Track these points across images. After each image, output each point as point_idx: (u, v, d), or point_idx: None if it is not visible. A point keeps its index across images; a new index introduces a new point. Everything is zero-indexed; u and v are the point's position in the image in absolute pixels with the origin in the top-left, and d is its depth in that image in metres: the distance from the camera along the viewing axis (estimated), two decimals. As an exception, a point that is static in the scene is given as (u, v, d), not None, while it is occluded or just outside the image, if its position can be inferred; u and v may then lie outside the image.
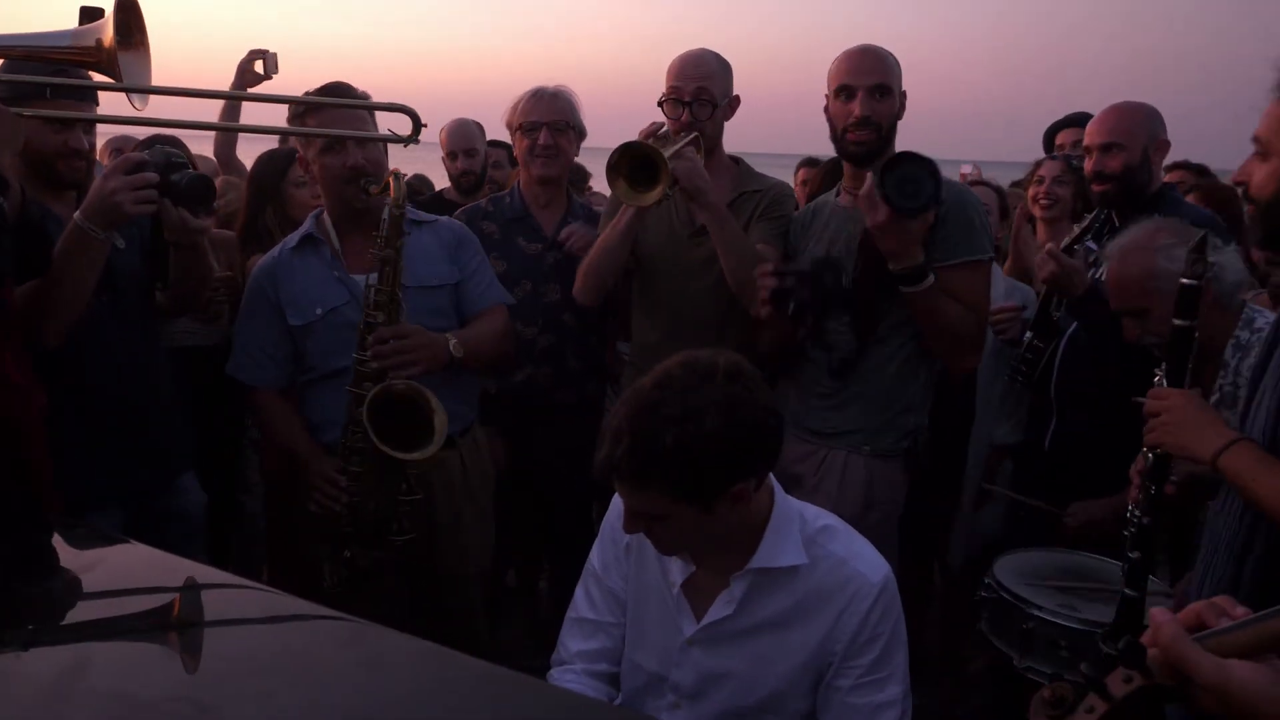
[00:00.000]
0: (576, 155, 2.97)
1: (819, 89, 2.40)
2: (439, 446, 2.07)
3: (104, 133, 2.81)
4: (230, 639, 1.26)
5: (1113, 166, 2.59)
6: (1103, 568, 2.10)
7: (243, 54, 3.58)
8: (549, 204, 2.81)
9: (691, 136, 2.39)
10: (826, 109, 2.32)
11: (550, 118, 2.72)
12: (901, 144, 2.29)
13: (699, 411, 1.36)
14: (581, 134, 2.84)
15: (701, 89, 2.44)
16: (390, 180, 2.07)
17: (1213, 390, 1.97)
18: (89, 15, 2.12)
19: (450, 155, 3.76)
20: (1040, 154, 3.59)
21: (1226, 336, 1.97)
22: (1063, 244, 2.54)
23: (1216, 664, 0.85)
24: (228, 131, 3.64)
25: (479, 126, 3.85)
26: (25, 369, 1.85)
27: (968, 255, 2.20)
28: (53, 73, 1.89)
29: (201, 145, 3.83)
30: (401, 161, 2.58)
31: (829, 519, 1.61)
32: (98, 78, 1.77)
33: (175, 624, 1.30)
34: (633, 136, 2.35)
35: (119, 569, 1.48)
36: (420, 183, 4.65)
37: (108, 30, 1.67)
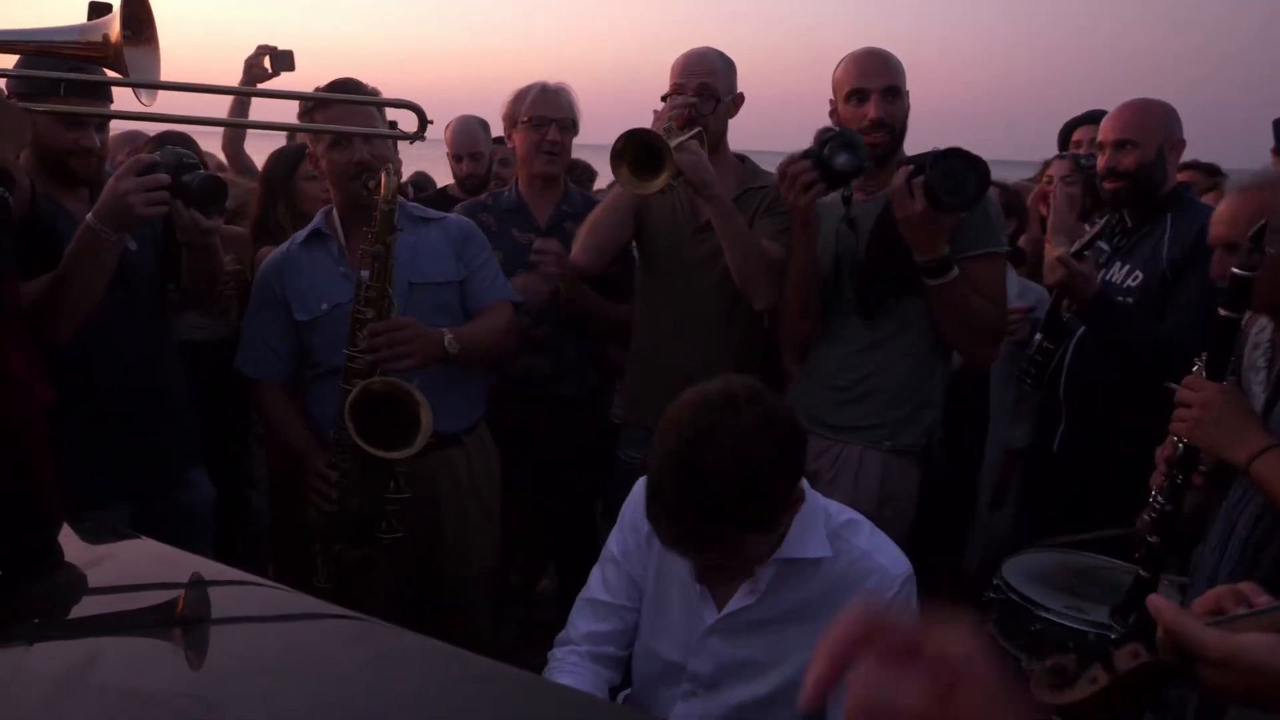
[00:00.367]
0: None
1: (821, 85, 2.40)
2: (421, 445, 2.05)
3: (114, 128, 2.80)
4: (238, 636, 1.26)
5: (1126, 164, 2.53)
6: (1113, 569, 2.09)
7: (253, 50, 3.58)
8: (544, 195, 2.81)
9: (695, 131, 2.38)
10: (833, 113, 2.31)
11: (559, 114, 2.72)
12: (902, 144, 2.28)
13: (741, 445, 1.35)
14: (578, 131, 2.84)
15: (705, 85, 2.43)
16: (381, 176, 2.06)
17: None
18: (97, 10, 2.13)
19: (455, 157, 3.74)
20: (1040, 152, 3.56)
21: None
22: (1073, 247, 2.51)
23: (1221, 636, 0.84)
24: (236, 128, 3.65)
25: (484, 125, 3.83)
26: (31, 364, 1.85)
27: (986, 247, 2.19)
28: (67, 69, 1.89)
29: (210, 140, 3.83)
30: (405, 158, 2.59)
31: (852, 514, 1.63)
32: (106, 73, 1.77)
33: (183, 620, 1.30)
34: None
35: (127, 564, 1.48)
36: (423, 179, 4.65)
37: (114, 25, 1.67)
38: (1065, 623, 1.88)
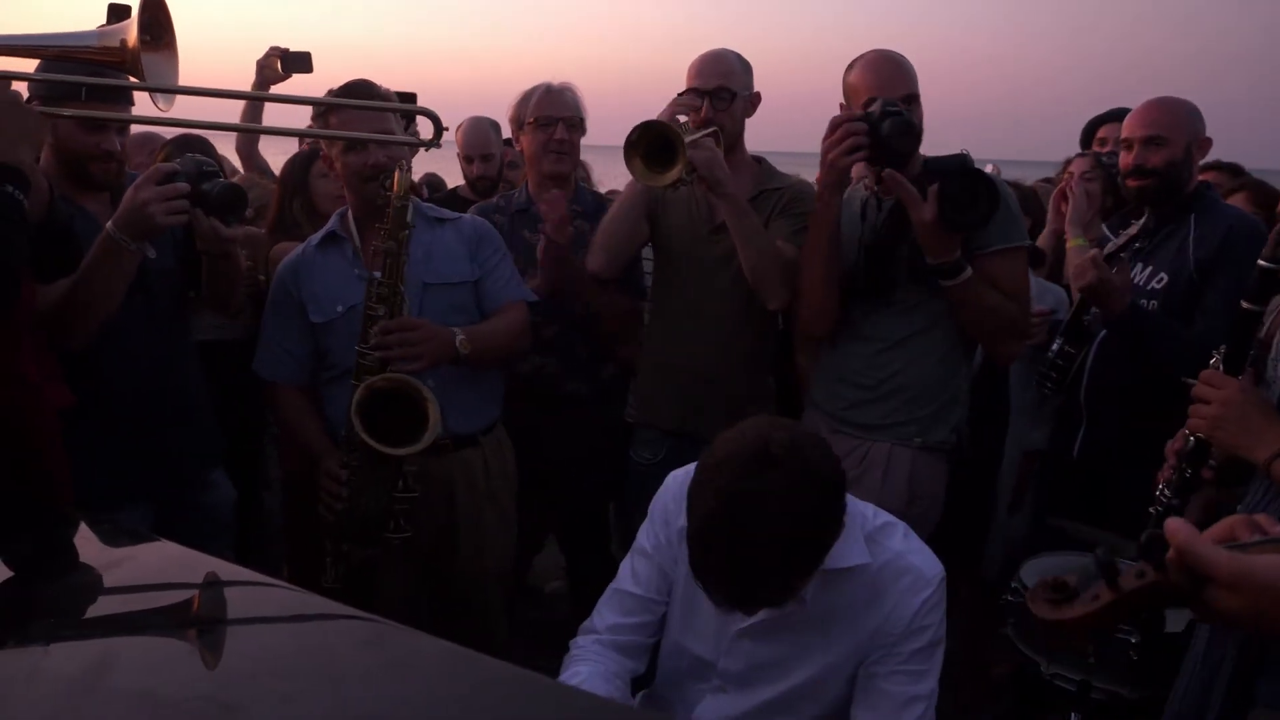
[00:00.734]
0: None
1: (832, 85, 2.38)
2: (429, 442, 2.05)
3: (131, 131, 2.83)
4: (253, 638, 1.26)
5: (1155, 161, 2.45)
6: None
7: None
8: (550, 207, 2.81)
9: (711, 130, 2.38)
10: None
11: (566, 113, 2.71)
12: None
13: (787, 509, 1.35)
14: (585, 130, 2.83)
15: (722, 86, 2.43)
16: (395, 173, 2.07)
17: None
18: (117, 14, 2.14)
19: (466, 159, 3.74)
20: (1045, 153, 3.54)
21: None
22: (1107, 249, 2.46)
23: (1233, 557, 0.83)
24: (252, 133, 3.67)
25: (495, 126, 3.81)
26: (45, 367, 1.87)
27: (1005, 242, 2.19)
28: (88, 73, 1.90)
29: (224, 141, 3.86)
30: (416, 159, 2.59)
31: (888, 517, 1.64)
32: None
33: (198, 622, 1.30)
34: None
35: (144, 566, 1.48)
36: (436, 181, 4.65)
37: (132, 31, 1.68)
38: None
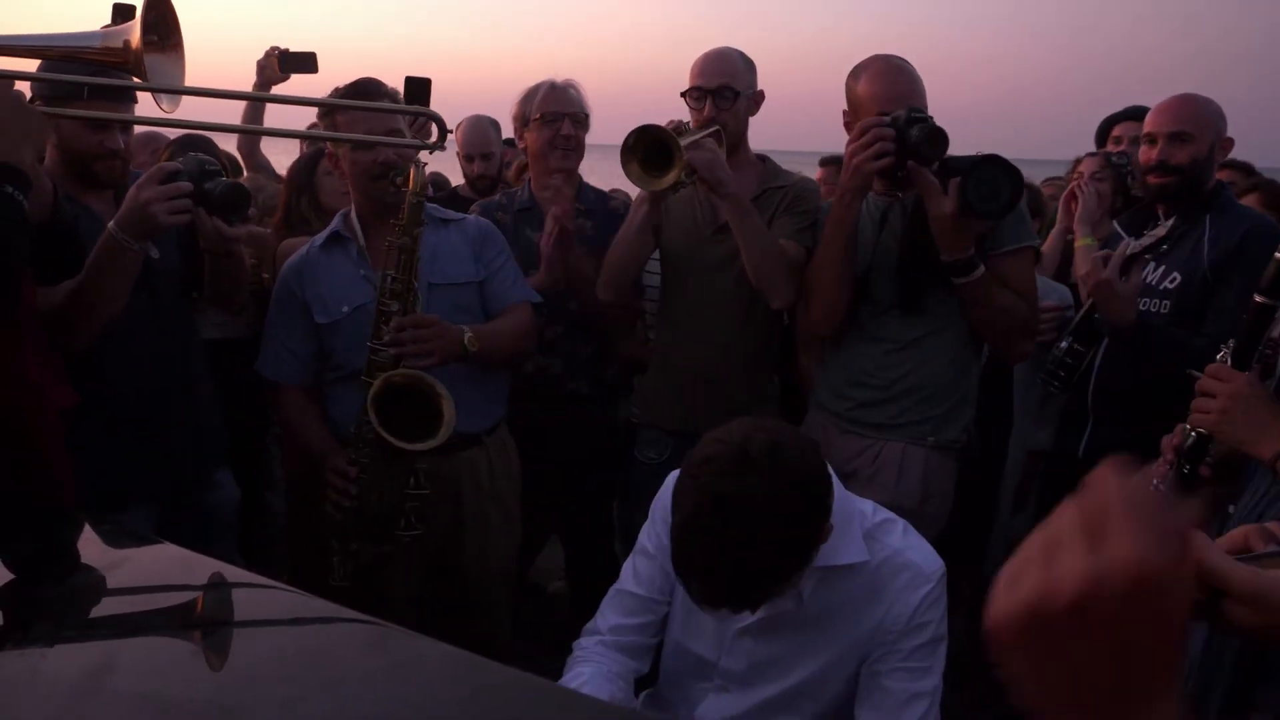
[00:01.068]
0: None
1: (836, 86, 2.36)
2: (445, 438, 2.05)
3: (135, 130, 2.83)
4: (254, 640, 1.26)
5: (1179, 158, 2.38)
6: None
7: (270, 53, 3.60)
8: (557, 194, 2.80)
9: (712, 130, 2.37)
10: (850, 126, 2.25)
11: (571, 109, 2.69)
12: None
13: (768, 512, 1.34)
14: (589, 127, 2.81)
15: (725, 84, 2.42)
16: (411, 170, 2.07)
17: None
18: (121, 14, 2.14)
19: (467, 157, 3.72)
20: (1048, 152, 3.52)
21: None
22: (1130, 249, 2.39)
23: (1252, 572, 0.82)
24: (256, 134, 3.66)
25: (495, 125, 3.80)
26: (47, 368, 1.87)
27: (1016, 242, 2.19)
28: (91, 73, 1.90)
29: (225, 139, 3.85)
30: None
31: (887, 514, 1.63)
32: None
33: (199, 624, 1.30)
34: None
35: (145, 568, 1.49)
36: (441, 180, 4.64)
37: (136, 32, 1.68)
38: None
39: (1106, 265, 2.29)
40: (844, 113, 2.30)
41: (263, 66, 3.52)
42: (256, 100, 3.24)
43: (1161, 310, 2.39)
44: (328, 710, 1.09)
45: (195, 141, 2.85)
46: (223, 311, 2.69)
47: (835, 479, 1.54)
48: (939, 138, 2.06)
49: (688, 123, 2.42)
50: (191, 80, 1.78)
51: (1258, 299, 1.51)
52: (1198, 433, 1.57)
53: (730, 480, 1.34)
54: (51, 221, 1.80)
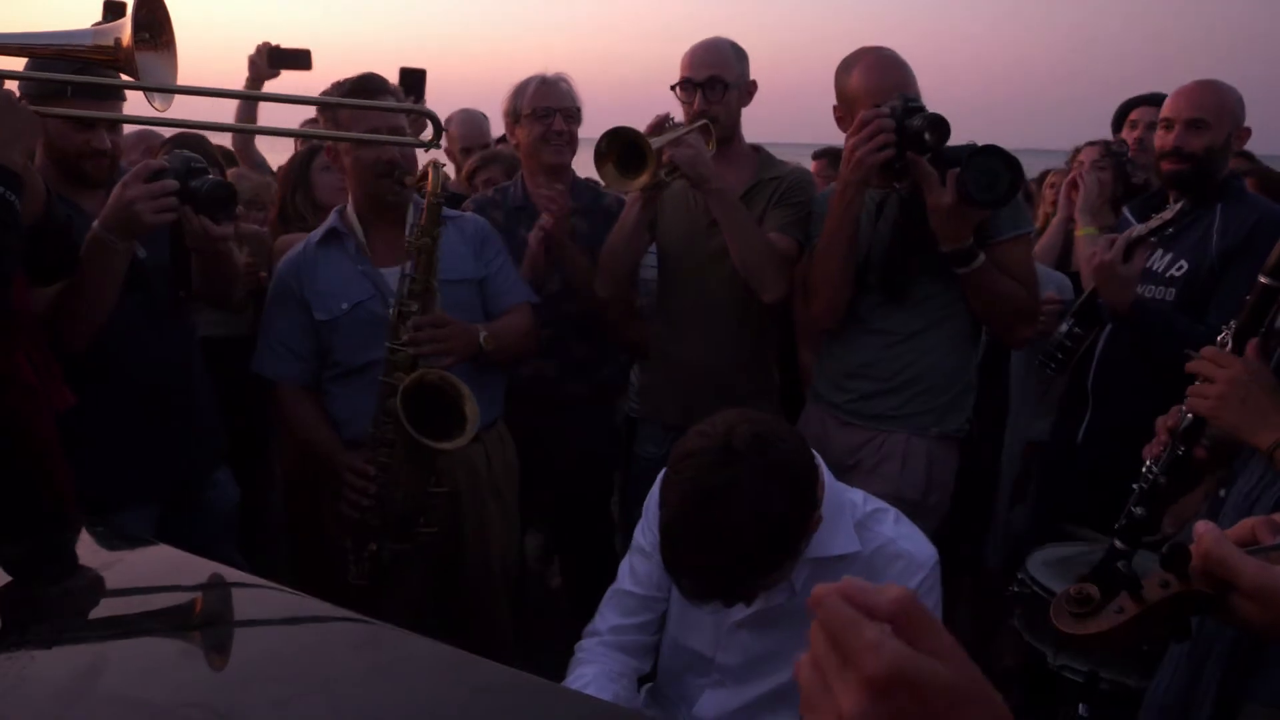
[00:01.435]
0: None
1: (828, 76, 2.33)
2: (472, 436, 2.06)
3: (128, 128, 2.81)
4: (249, 642, 1.26)
5: (1195, 146, 2.34)
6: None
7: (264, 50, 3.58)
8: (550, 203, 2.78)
9: (699, 124, 2.35)
10: (842, 120, 2.26)
11: (563, 104, 2.68)
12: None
13: (753, 505, 1.33)
14: (582, 120, 2.80)
15: (714, 76, 2.40)
16: (429, 170, 2.08)
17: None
18: (113, 11, 2.13)
19: (464, 151, 3.71)
20: (1047, 141, 3.50)
21: None
22: (1137, 232, 2.34)
23: (1261, 566, 0.81)
24: (251, 133, 3.65)
25: (484, 118, 3.79)
26: (42, 369, 1.86)
27: (1015, 230, 2.20)
28: (76, 71, 1.89)
29: (220, 135, 3.83)
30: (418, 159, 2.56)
31: (879, 503, 1.63)
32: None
33: (192, 626, 1.29)
34: (643, 128, 2.31)
35: (139, 569, 1.48)
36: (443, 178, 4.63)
37: (126, 30, 1.67)
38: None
39: (1111, 248, 2.27)
40: (835, 107, 2.29)
41: (253, 62, 3.51)
42: (246, 99, 3.22)
43: (1166, 298, 2.37)
44: (321, 711, 1.09)
45: (189, 139, 2.84)
46: (218, 310, 2.68)
47: (825, 469, 1.53)
48: (941, 125, 2.05)
49: (674, 118, 2.41)
50: (186, 79, 1.77)
51: (1263, 280, 1.49)
52: (1194, 415, 1.55)
53: (714, 473, 1.33)
54: (45, 222, 1.79)
